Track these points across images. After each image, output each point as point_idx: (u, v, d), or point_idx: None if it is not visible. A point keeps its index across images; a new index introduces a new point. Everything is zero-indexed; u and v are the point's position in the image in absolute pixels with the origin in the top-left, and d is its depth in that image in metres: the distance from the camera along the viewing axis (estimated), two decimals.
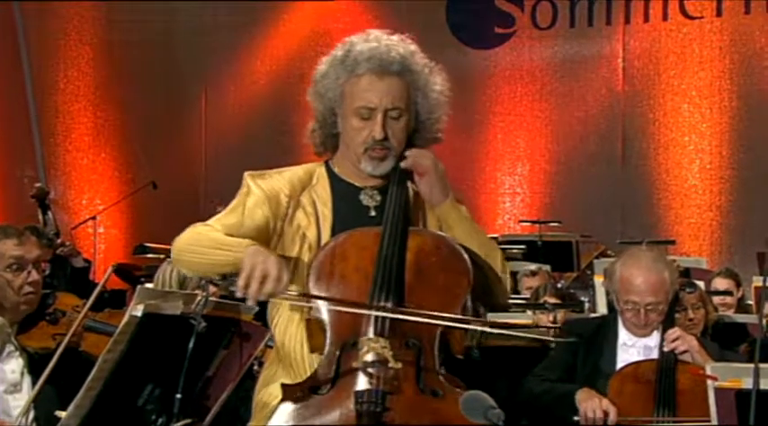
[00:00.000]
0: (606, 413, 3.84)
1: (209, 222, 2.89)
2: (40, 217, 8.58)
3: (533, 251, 8.33)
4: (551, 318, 5.48)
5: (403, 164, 2.87)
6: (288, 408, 2.65)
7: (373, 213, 2.90)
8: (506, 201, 10.98)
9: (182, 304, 2.89)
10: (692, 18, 10.38)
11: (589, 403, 3.86)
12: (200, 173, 11.80)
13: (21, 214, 9.82)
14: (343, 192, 2.92)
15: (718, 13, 10.25)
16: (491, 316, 5.49)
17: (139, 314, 2.81)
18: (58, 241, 7.84)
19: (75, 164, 11.67)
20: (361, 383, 2.63)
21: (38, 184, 9.51)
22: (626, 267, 4.05)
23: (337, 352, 2.70)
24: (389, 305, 2.70)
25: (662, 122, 10.46)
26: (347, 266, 2.77)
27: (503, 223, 10.83)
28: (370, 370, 2.63)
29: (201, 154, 11.91)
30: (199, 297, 2.92)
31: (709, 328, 4.97)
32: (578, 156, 10.76)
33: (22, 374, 3.52)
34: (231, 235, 2.83)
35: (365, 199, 2.92)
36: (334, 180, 2.94)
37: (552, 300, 5.62)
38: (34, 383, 3.44)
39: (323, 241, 2.85)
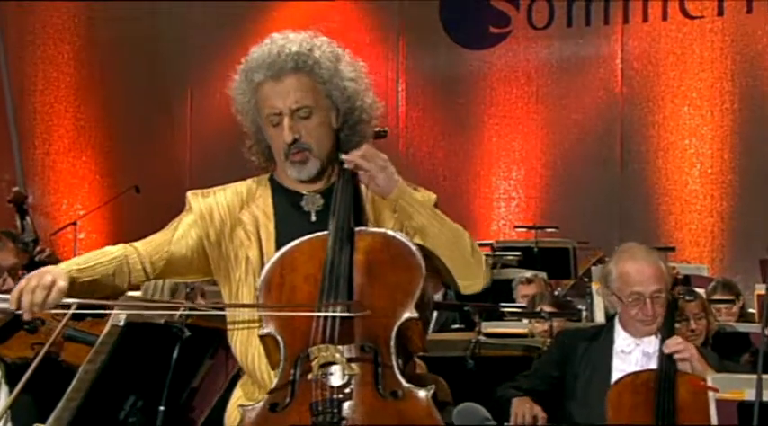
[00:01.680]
0: (535, 418, 3.98)
1: (138, 242, 2.95)
2: (18, 222, 8.54)
3: (529, 257, 8.33)
4: (547, 327, 5.49)
5: (345, 165, 2.86)
6: None
7: (314, 218, 2.92)
8: (501, 206, 10.99)
9: (165, 313, 2.89)
10: (692, 18, 10.40)
11: (520, 407, 4.01)
12: (185, 177, 11.77)
13: None
14: (284, 202, 2.94)
15: (720, 13, 10.27)
16: (486, 325, 5.54)
17: (122, 323, 2.81)
18: (38, 248, 7.82)
19: (54, 168, 11.64)
20: (316, 394, 2.62)
21: (15, 188, 9.46)
22: (621, 262, 4.10)
23: (291, 366, 2.69)
24: (338, 309, 2.70)
25: (661, 125, 10.47)
26: (297, 276, 2.77)
27: (497, 229, 10.84)
28: (323, 381, 2.63)
29: (187, 157, 11.90)
30: (183, 307, 2.91)
31: (710, 338, 4.98)
32: (575, 160, 10.77)
33: None
34: (152, 255, 2.89)
35: (306, 204, 2.93)
36: (277, 190, 2.96)
37: (549, 309, 5.62)
38: (11, 393, 3.43)
39: (266, 257, 2.85)
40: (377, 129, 3.00)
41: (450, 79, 11.25)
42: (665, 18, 10.49)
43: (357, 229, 2.83)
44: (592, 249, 9.21)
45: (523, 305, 6.31)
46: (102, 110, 11.66)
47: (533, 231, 9.29)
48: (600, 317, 6.38)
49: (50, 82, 11.66)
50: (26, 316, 2.67)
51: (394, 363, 2.68)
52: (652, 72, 10.53)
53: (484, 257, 2.94)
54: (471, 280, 2.91)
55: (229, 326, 2.90)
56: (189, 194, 2.97)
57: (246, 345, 2.85)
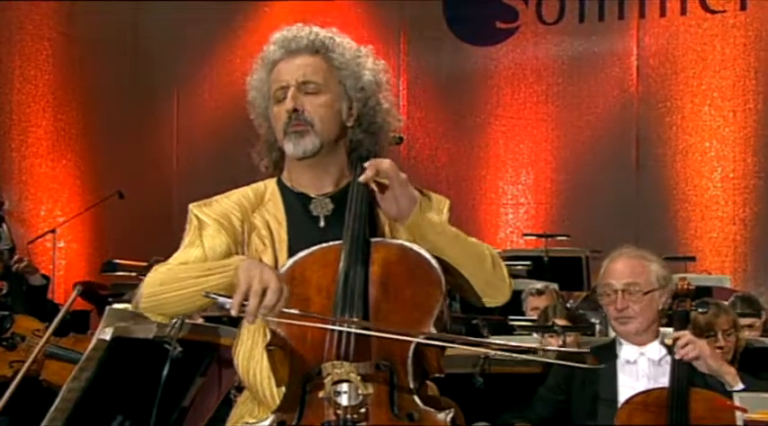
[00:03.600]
0: None
1: (169, 261, 2.87)
2: None
3: (539, 267, 8.34)
4: (561, 342, 5.48)
5: (361, 179, 2.86)
6: None
7: (323, 223, 2.93)
8: (509, 213, 11.00)
9: (155, 327, 2.88)
10: (713, 12, 10.42)
11: None
12: (171, 182, 11.79)
13: None
14: (294, 205, 2.95)
15: (743, 7, 10.29)
16: (493, 339, 5.51)
17: (108, 337, 2.80)
18: (14, 257, 7.81)
19: (32, 172, 11.62)
20: (328, 414, 2.62)
21: None
22: (610, 260, 4.22)
23: (301, 383, 2.68)
24: (353, 325, 2.70)
25: (680, 126, 10.49)
26: (308, 287, 2.76)
27: (505, 237, 10.85)
28: (336, 399, 2.63)
29: (173, 160, 11.90)
30: (174, 320, 2.90)
31: (738, 355, 4.98)
32: (588, 164, 10.78)
33: None
34: None
35: (315, 208, 2.95)
36: (286, 193, 2.97)
37: (562, 322, 5.61)
38: None
39: (280, 266, 2.84)
40: (393, 135, 3.03)
41: (454, 78, 11.26)
42: (683, 12, 10.50)
43: (373, 240, 2.83)
44: (605, 259, 9.20)
45: (534, 318, 6.29)
46: (83, 111, 11.65)
47: (543, 239, 9.30)
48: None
49: (28, 80, 11.64)
50: (250, 320, 2.64)
51: (410, 383, 2.68)
52: (670, 70, 10.55)
53: (505, 268, 2.95)
54: (493, 297, 2.93)
55: (235, 336, 2.90)
56: (192, 208, 2.95)
57: (249, 358, 2.85)
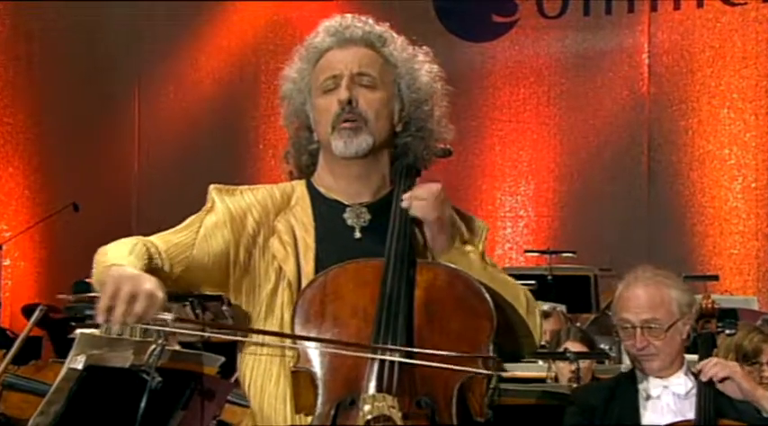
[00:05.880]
0: None
1: (151, 237, 2.88)
2: None
3: (543, 287, 8.32)
4: (573, 369, 5.46)
5: (404, 203, 2.87)
6: None
7: (358, 235, 2.92)
8: (507, 227, 11.00)
9: (132, 354, 2.86)
10: (733, 4, 10.47)
11: None
12: (132, 192, 11.76)
13: None
14: (326, 212, 2.94)
15: None
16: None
17: (80, 366, 2.79)
18: None
19: None
20: None
21: None
22: (624, 284, 4.17)
23: (332, 413, 2.66)
24: (397, 354, 2.68)
25: (696, 131, 10.52)
26: (342, 306, 2.76)
27: (503, 253, 10.85)
28: None
29: (133, 168, 11.88)
30: (153, 346, 2.88)
31: None
32: (594, 173, 10.81)
33: None
34: (172, 257, 2.83)
35: (351, 218, 2.94)
36: (317, 199, 2.96)
37: (576, 347, 5.59)
38: None
39: (304, 276, 2.84)
40: (440, 146, 3.03)
41: (446, 76, 11.23)
42: (700, 5, 10.55)
43: (418, 260, 2.83)
44: (615, 278, 9.19)
45: (543, 343, 6.28)
46: (32, 113, 11.62)
47: (546, 256, 9.31)
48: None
49: None
50: (116, 329, 2.62)
51: (453, 424, 2.67)
52: (685, 68, 10.59)
53: (539, 316, 2.98)
54: (519, 346, 2.95)
55: (244, 354, 2.88)
56: (212, 189, 2.95)
57: (263, 381, 2.83)
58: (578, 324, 7.94)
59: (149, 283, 2.62)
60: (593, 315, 8.59)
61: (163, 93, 11.82)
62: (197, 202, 3.03)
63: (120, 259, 2.73)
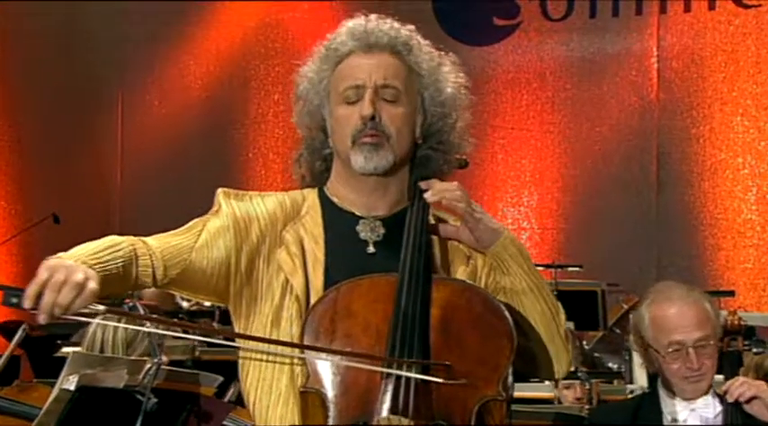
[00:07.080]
0: None
1: (149, 237, 2.89)
2: None
3: None
4: (581, 393, 5.47)
5: (429, 199, 2.88)
6: None
7: (372, 249, 2.92)
8: None
9: (126, 374, 2.87)
10: (746, 6, 10.48)
11: None
12: (114, 203, 11.76)
13: None
14: (337, 224, 2.94)
15: None
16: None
17: (72, 387, 2.79)
18: None
19: None
20: None
21: None
22: (655, 305, 4.11)
23: None
24: (413, 372, 2.68)
25: (708, 139, 10.53)
26: (354, 323, 2.75)
27: None
28: None
29: (116, 179, 11.88)
30: (149, 366, 2.89)
31: None
32: (601, 183, 10.82)
33: None
34: (167, 259, 2.84)
35: (364, 231, 2.94)
36: (328, 209, 2.96)
37: (585, 367, 5.60)
38: None
39: (312, 290, 2.84)
40: (458, 157, 3.05)
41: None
42: (712, 7, 10.56)
43: (434, 276, 2.84)
44: (624, 293, 9.23)
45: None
46: (10, 121, 11.62)
47: (551, 270, 9.30)
48: (642, 379, 6.37)
49: None
50: (42, 319, 2.62)
51: None
52: (696, 74, 10.60)
53: (565, 332, 2.97)
54: (548, 367, 2.94)
55: (247, 371, 2.88)
56: (220, 192, 2.96)
57: (269, 402, 2.83)
58: (585, 342, 7.96)
59: (82, 273, 2.62)
60: (601, 332, 8.60)
61: (147, 99, 11.82)
62: (183, 214, 3.06)
63: (76, 252, 2.73)
